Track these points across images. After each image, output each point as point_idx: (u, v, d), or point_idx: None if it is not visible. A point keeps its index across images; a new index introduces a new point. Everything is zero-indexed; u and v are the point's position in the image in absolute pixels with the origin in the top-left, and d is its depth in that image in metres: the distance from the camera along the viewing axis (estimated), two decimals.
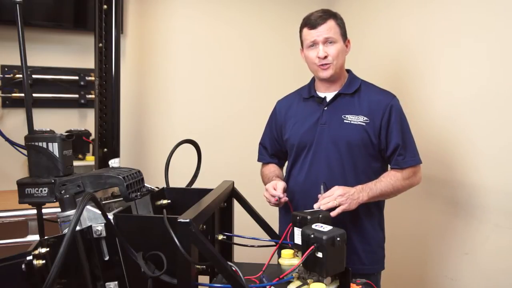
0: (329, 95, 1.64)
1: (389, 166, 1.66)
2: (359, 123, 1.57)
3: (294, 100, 1.76)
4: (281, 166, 1.85)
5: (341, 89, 1.64)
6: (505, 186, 1.75)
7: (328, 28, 1.56)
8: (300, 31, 1.64)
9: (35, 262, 0.82)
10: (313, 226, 1.12)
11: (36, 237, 1.31)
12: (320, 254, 1.05)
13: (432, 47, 2.12)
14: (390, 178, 1.56)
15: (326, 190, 1.49)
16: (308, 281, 1.08)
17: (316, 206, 1.42)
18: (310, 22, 1.58)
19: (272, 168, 1.80)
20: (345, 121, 1.59)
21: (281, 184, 1.56)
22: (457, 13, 1.97)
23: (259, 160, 1.86)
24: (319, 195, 1.47)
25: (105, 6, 2.03)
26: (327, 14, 1.58)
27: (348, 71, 1.70)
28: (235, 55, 2.91)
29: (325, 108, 1.63)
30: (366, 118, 1.57)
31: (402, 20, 2.35)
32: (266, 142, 1.83)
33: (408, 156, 1.57)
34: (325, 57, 1.56)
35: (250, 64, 2.95)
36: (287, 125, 1.72)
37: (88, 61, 2.41)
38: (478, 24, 1.87)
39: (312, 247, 1.05)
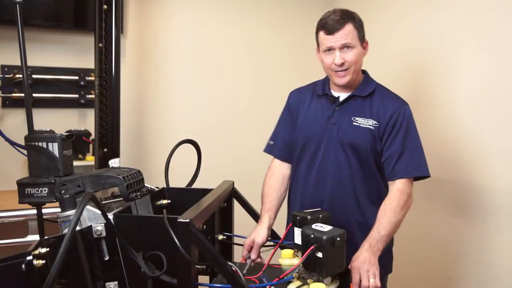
0: (342, 95, 1.60)
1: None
2: (367, 126, 1.54)
3: (307, 95, 1.69)
4: (288, 166, 1.71)
5: (355, 90, 1.59)
6: (506, 186, 1.75)
7: (346, 34, 1.49)
8: (317, 33, 1.58)
9: (35, 262, 0.82)
10: (313, 226, 1.13)
11: (36, 237, 1.31)
12: (320, 254, 1.05)
13: (439, 46, 2.11)
14: (388, 215, 1.43)
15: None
16: (308, 281, 1.08)
17: None
18: (327, 27, 1.51)
19: (277, 184, 1.66)
20: (354, 123, 1.55)
21: (260, 239, 1.43)
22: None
23: (266, 150, 1.72)
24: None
25: (105, 6, 2.03)
26: (345, 18, 1.50)
27: (364, 72, 1.65)
28: (235, 55, 2.90)
29: (336, 108, 1.60)
30: (376, 122, 1.53)
31: (406, 20, 2.34)
32: (279, 137, 1.71)
33: (411, 166, 1.50)
34: (342, 63, 1.51)
35: (250, 64, 2.95)
36: (297, 119, 1.67)
37: (88, 61, 2.40)
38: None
39: (312, 247, 1.06)
